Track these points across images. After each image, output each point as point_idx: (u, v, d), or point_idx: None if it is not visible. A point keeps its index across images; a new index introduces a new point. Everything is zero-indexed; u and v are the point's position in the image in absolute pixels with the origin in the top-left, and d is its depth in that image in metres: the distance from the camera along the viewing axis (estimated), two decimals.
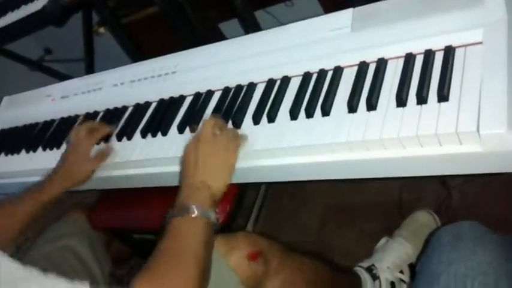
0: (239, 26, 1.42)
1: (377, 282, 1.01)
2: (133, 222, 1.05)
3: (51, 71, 1.95)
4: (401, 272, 1.04)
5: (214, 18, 1.41)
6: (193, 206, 0.69)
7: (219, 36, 1.48)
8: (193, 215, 0.68)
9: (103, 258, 1.09)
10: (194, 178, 0.74)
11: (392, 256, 1.05)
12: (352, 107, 0.71)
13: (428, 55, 0.70)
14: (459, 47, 0.69)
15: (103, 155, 0.93)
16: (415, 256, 1.05)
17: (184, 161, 0.78)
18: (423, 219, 1.10)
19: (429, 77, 0.68)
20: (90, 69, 1.63)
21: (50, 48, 2.05)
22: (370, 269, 1.03)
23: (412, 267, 1.04)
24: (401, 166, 0.65)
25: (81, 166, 0.92)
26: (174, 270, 0.63)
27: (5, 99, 1.36)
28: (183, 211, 0.69)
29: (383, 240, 1.11)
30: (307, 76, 0.81)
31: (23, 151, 1.16)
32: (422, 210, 1.12)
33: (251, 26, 1.36)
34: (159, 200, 1.03)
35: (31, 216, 0.91)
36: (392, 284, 1.02)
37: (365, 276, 1.01)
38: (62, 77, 1.91)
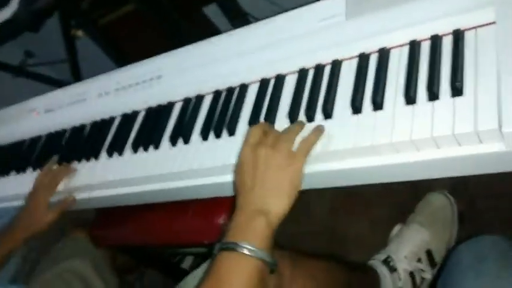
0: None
1: (395, 274, 0.97)
2: (136, 237, 1.00)
3: (36, 75, 1.86)
4: (419, 260, 0.99)
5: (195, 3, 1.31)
6: (244, 243, 0.57)
7: (204, 22, 1.39)
8: (244, 252, 0.56)
9: (108, 275, 1.05)
10: (250, 199, 0.61)
11: (409, 245, 0.99)
12: (356, 108, 0.64)
13: (436, 41, 0.63)
14: (469, 29, 0.62)
15: (64, 205, 0.92)
16: (433, 242, 1.00)
17: (238, 172, 0.64)
18: (438, 202, 1.04)
19: (438, 67, 0.61)
20: (75, 73, 1.55)
21: (31, 51, 1.96)
22: (386, 261, 0.98)
23: (430, 254, 0.99)
24: (417, 169, 0.60)
25: (41, 216, 0.92)
26: None
27: None
28: (232, 245, 0.57)
29: (397, 228, 1.06)
30: (303, 73, 0.74)
31: (13, 172, 1.10)
32: (436, 192, 1.06)
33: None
34: (161, 213, 0.97)
35: None
36: (412, 274, 0.98)
37: (382, 270, 0.96)
38: (49, 81, 1.83)
